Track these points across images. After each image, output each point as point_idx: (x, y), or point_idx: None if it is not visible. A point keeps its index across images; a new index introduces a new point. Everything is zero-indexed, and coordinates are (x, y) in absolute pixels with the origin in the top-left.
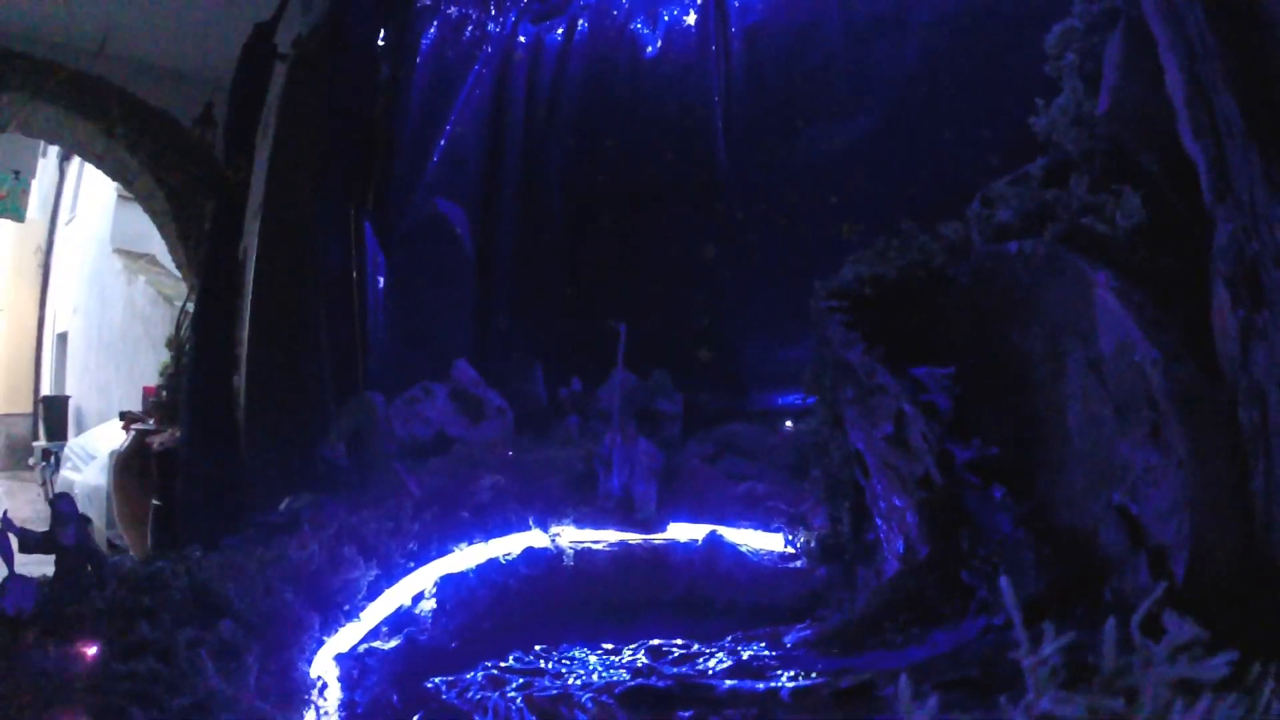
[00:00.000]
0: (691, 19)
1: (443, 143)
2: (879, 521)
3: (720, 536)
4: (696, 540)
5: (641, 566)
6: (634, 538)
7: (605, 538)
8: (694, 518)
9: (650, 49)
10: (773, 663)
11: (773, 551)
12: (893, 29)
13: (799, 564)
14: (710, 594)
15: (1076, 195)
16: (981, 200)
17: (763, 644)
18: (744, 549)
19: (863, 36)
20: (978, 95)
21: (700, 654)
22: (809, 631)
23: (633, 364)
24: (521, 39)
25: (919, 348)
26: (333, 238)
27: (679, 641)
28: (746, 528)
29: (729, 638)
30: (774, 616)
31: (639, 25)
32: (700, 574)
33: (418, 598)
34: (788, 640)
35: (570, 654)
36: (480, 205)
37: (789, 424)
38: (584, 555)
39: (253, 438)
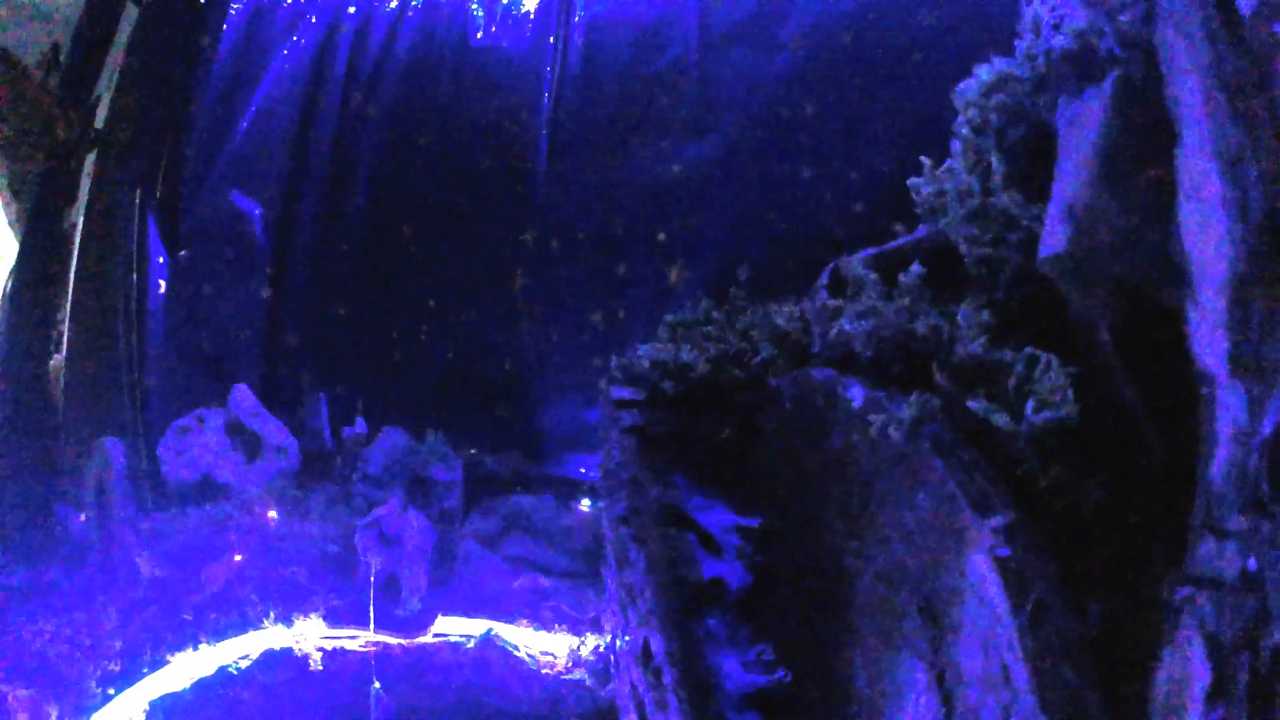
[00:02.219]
0: (532, 2)
1: (245, 125)
2: None
3: (495, 637)
4: (469, 640)
5: (403, 671)
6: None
7: (363, 635)
8: (468, 611)
9: (480, 33)
10: None
11: (556, 658)
12: (755, 40)
13: (577, 678)
14: (482, 705)
15: (964, 342)
16: (831, 276)
17: None
18: (522, 653)
19: (719, 45)
20: (847, 128)
21: None
22: None
23: (414, 413)
24: (351, 9)
25: (727, 471)
26: (119, 228)
27: None
28: (528, 627)
29: None
30: None
31: (475, 4)
32: (471, 681)
33: None
34: None
35: None
36: (281, 202)
37: (586, 504)
38: (334, 658)
39: (70, 434)
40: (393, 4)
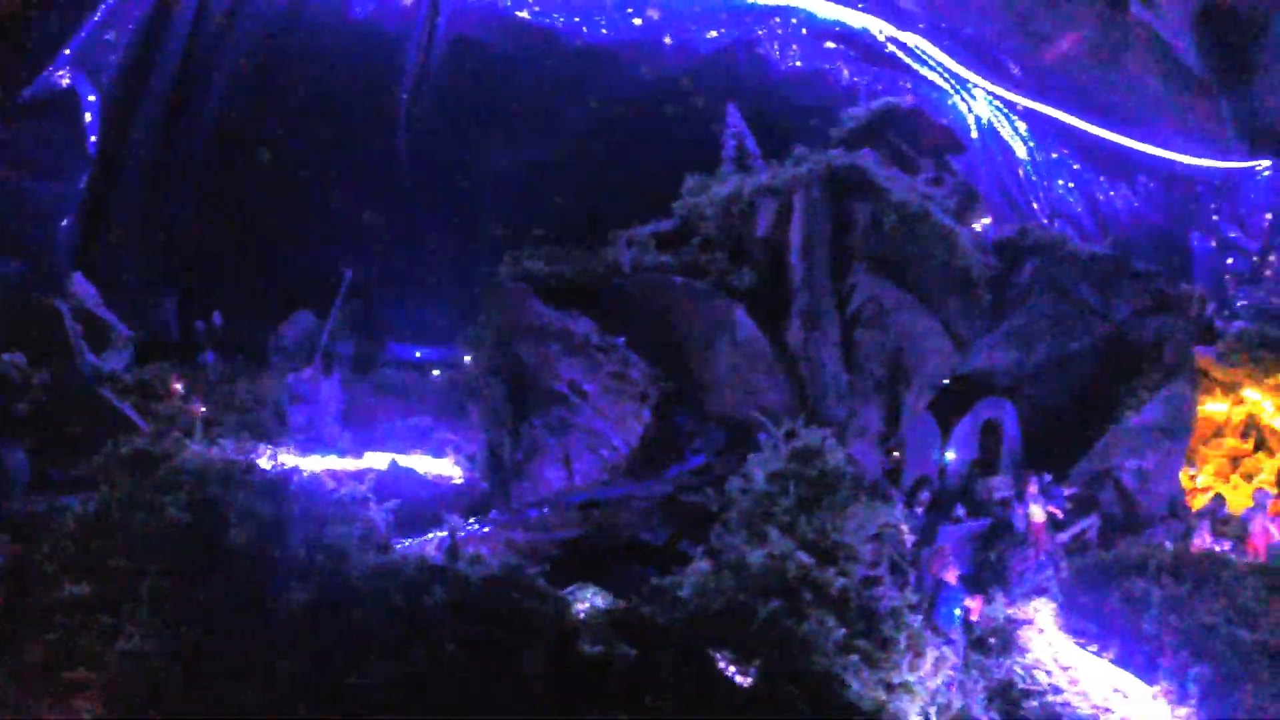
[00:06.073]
0: None
1: (106, 4)
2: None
3: (398, 463)
4: (380, 467)
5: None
6: (330, 463)
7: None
8: (371, 447)
9: (359, 9)
10: None
11: (440, 474)
12: (571, 95)
13: (461, 482)
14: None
15: (718, 262)
16: (628, 240)
17: None
18: (420, 473)
19: (548, 92)
20: (614, 168)
21: None
22: None
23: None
24: None
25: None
26: None
27: None
28: (417, 455)
29: None
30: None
31: None
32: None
33: None
34: None
35: None
36: (120, 93)
37: (436, 372)
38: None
39: None
40: None
